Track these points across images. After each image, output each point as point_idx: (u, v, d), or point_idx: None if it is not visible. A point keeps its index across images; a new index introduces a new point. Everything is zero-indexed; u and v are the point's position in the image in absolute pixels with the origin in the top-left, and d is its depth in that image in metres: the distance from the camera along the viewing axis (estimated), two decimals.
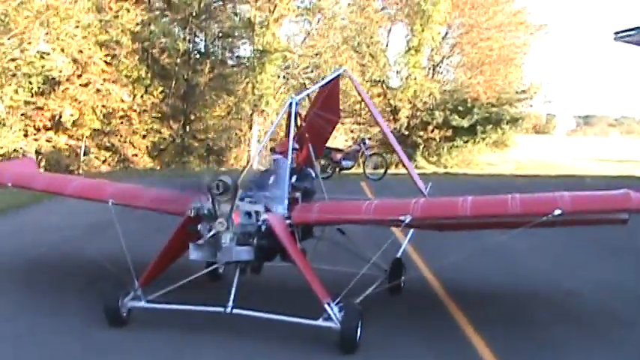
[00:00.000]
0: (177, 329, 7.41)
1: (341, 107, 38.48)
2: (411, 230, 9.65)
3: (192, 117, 36.34)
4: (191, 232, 7.31)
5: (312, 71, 34.23)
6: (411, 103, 36.20)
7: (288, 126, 8.74)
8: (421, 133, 36.98)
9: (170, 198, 8.44)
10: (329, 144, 31.63)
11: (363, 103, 37.85)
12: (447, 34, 38.26)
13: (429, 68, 38.63)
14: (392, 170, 26.46)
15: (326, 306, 6.97)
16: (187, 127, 35.43)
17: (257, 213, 7.20)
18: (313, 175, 8.90)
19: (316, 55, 33.80)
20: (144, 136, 31.96)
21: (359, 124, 37.14)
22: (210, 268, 8.29)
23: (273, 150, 9.03)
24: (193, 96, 35.67)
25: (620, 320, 8.20)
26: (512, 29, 37.87)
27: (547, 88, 38.65)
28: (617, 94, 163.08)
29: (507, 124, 37.01)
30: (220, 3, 34.54)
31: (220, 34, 35.94)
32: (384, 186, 20.49)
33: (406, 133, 36.74)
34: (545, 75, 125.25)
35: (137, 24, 28.32)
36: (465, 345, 7.24)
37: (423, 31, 35.09)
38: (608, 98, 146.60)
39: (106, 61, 28.59)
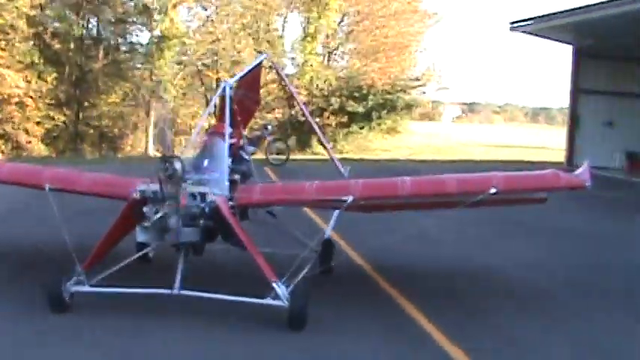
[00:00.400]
0: (123, 314, 7.44)
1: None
2: (336, 212, 9.85)
3: (86, 104, 35.60)
4: (136, 215, 7.37)
5: (208, 58, 34.08)
6: (307, 89, 36.54)
7: (222, 109, 8.87)
8: (317, 119, 37.38)
9: (110, 182, 8.42)
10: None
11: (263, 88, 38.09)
12: (342, 21, 38.79)
13: (324, 55, 39.06)
14: (294, 156, 26.89)
15: (274, 285, 7.17)
16: (81, 114, 34.63)
17: (203, 195, 7.31)
18: (248, 158, 9.04)
19: (214, 41, 33.63)
20: (38, 123, 31.08)
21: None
22: (142, 252, 8.25)
23: (207, 132, 9.11)
24: (86, 82, 34.96)
25: (539, 291, 8.84)
26: (407, 17, 38.74)
27: (440, 76, 39.64)
28: (510, 82, 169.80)
29: (402, 110, 37.93)
30: None
31: (114, 20, 35.28)
32: (290, 172, 20.77)
33: (302, 119, 37.04)
34: (440, 62, 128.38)
35: (32, 7, 27.43)
36: (403, 315, 7.63)
37: (319, 18, 35.48)
38: (498, 86, 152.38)
39: None
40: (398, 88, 38.21)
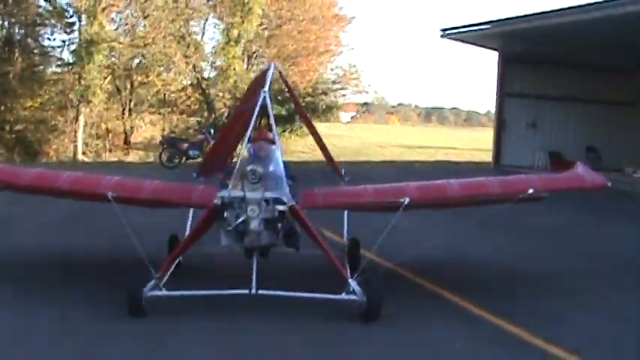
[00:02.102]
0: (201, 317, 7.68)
1: (160, 98, 37.61)
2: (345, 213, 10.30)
3: (3, 107, 34.58)
4: (216, 220, 7.67)
5: (138, 62, 33.84)
6: (231, 93, 36.73)
7: (264, 117, 9.23)
8: None
9: (173, 189, 8.63)
10: (175, 135, 31.52)
11: (183, 92, 37.99)
12: (261, 24, 39.13)
13: (245, 59, 39.33)
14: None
15: (350, 281, 7.63)
16: None
17: (281, 199, 7.67)
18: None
19: (145, 45, 33.38)
20: None
21: (181, 113, 37.15)
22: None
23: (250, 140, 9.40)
24: (2, 86, 33.97)
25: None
26: (326, 22, 39.50)
27: (358, 78, 40.58)
28: (435, 86, 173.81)
29: (323, 112, 38.66)
30: None
31: (30, 23, 34.46)
32: None
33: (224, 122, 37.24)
34: (362, 66, 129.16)
35: None
36: (447, 303, 8.35)
37: (242, 22, 35.75)
38: (424, 89, 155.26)
39: None
40: (319, 91, 38.90)
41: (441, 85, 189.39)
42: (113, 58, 33.20)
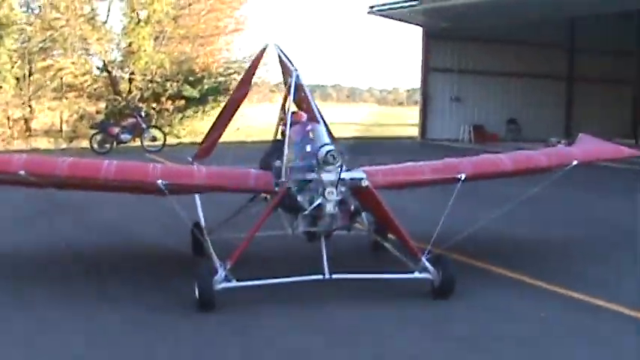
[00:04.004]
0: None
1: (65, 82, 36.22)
2: None
3: None
4: (288, 205, 7.51)
5: (48, 46, 32.36)
6: (143, 74, 35.76)
7: (290, 98, 9.05)
8: (154, 105, 36.70)
9: (227, 174, 8.35)
10: (104, 119, 30.44)
11: (86, 76, 36.59)
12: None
13: (154, 39, 38.28)
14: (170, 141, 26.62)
15: (424, 259, 7.67)
16: None
17: (359, 179, 7.58)
18: None
19: (54, 28, 31.96)
20: None
21: (89, 97, 35.86)
22: None
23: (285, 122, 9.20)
24: None
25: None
26: (231, 1, 38.93)
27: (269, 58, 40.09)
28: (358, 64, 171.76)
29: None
30: None
31: None
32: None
33: (140, 105, 36.24)
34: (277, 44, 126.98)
35: None
36: (500, 277, 8.48)
37: (153, 3, 34.85)
38: (347, 67, 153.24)
39: None
40: (231, 71, 38.43)
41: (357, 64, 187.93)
42: (25, 43, 31.63)
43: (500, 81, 29.47)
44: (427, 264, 7.67)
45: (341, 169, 7.31)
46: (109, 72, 36.94)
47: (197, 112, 38.11)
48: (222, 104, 40.03)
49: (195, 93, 36.95)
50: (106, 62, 36.70)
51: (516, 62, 29.09)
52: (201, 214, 9.58)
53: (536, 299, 7.85)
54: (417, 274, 7.71)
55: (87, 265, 9.30)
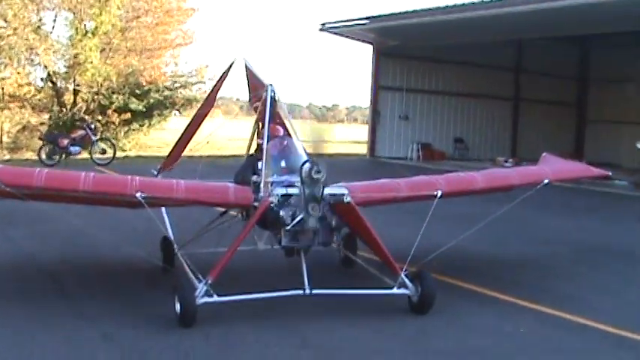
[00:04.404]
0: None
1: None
2: None
3: None
4: (270, 220, 7.51)
5: None
6: (89, 86, 35.27)
7: (267, 113, 9.07)
8: (100, 117, 36.21)
9: (207, 189, 8.32)
10: (52, 130, 29.84)
11: (30, 86, 35.89)
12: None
13: (100, 51, 37.81)
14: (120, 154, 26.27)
15: (402, 275, 7.76)
16: None
17: (341, 195, 7.62)
18: None
19: (0, 37, 31.28)
20: None
21: (33, 108, 35.14)
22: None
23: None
24: None
25: None
26: (178, 14, 38.73)
27: (203, 73, 40.02)
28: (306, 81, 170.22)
29: (182, 106, 38.05)
30: None
31: None
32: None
33: (85, 117, 35.69)
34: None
35: None
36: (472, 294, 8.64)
37: (100, 14, 34.44)
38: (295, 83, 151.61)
39: None
40: (177, 85, 38.25)
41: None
42: None
43: (447, 100, 29.96)
44: (406, 280, 7.77)
45: (324, 185, 7.37)
46: (53, 83, 36.33)
47: (143, 125, 37.77)
48: (169, 118, 39.93)
49: (141, 106, 36.57)
50: (50, 73, 36.08)
51: (464, 82, 29.64)
52: (169, 228, 9.55)
53: (512, 316, 8.01)
54: (395, 290, 7.80)
55: (53, 278, 9.14)
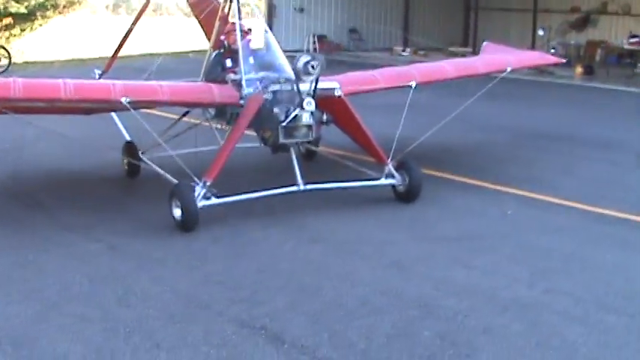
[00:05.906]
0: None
1: None
2: None
3: None
4: (264, 117, 7.44)
5: None
6: None
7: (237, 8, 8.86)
8: None
9: (191, 89, 8.13)
10: None
11: None
12: None
13: None
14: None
15: (389, 165, 7.98)
16: None
17: (332, 89, 7.63)
18: None
19: None
20: None
21: None
22: None
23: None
24: None
25: None
26: None
27: None
28: None
29: (65, 8, 36.06)
30: None
31: None
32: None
33: None
34: None
35: None
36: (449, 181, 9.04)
37: None
38: None
39: None
40: None
41: None
42: None
43: None
44: (393, 170, 7.98)
45: (317, 80, 7.36)
46: None
47: (25, 29, 35.73)
48: (52, 20, 37.58)
49: (22, 9, 34.42)
50: None
51: None
52: (125, 132, 9.32)
53: (495, 200, 8.43)
54: (383, 180, 8.02)
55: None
